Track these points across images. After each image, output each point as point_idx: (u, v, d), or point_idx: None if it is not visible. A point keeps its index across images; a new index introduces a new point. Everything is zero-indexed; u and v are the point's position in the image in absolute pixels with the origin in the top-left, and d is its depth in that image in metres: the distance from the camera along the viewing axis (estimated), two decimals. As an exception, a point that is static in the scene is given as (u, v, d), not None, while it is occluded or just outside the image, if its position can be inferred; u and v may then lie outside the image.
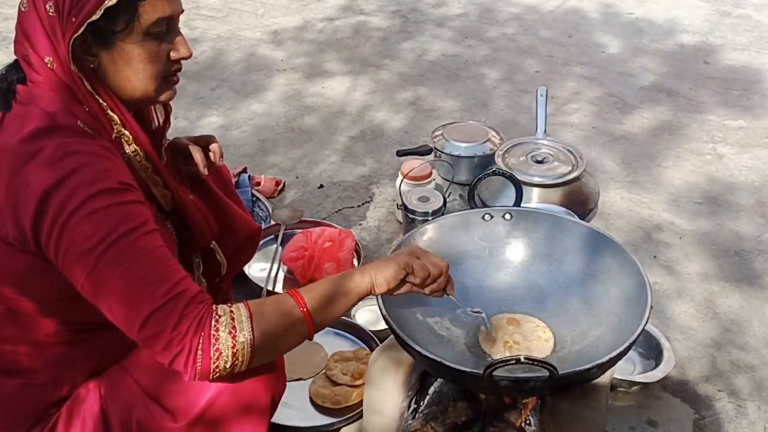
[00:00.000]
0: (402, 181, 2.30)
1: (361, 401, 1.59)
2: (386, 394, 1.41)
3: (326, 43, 3.85)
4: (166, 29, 1.17)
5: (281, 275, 2.11)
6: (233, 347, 1.06)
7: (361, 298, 1.22)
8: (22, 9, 1.13)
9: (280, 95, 3.31)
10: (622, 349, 1.19)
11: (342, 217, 2.47)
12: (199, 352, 1.04)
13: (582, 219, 1.88)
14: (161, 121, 1.36)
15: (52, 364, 1.22)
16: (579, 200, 2.20)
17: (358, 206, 2.53)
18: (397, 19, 4.19)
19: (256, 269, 2.12)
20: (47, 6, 1.09)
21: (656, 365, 1.78)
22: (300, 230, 2.21)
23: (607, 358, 1.17)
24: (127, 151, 1.20)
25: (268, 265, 2.08)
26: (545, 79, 3.45)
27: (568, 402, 1.33)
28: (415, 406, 1.44)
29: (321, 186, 2.63)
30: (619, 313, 1.35)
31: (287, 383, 1.68)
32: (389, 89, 3.37)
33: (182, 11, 1.20)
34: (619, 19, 4.19)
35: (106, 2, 1.08)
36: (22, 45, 1.14)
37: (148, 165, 1.24)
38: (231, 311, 1.08)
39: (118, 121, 1.17)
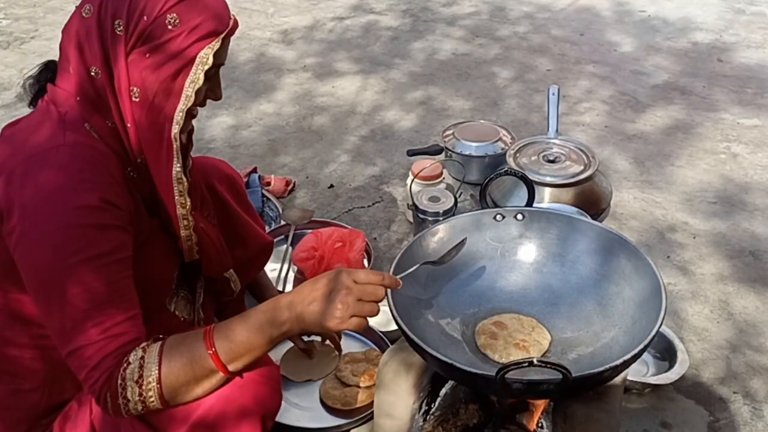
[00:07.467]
0: (413, 180, 2.29)
1: (372, 402, 1.59)
2: (397, 396, 1.40)
3: (336, 43, 3.85)
4: (214, 72, 1.23)
5: (291, 275, 2.11)
6: (140, 395, 1.08)
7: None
8: (84, 15, 1.13)
9: (290, 95, 3.31)
10: (636, 351, 1.17)
11: (352, 217, 2.46)
12: (108, 400, 1.07)
13: (594, 219, 1.86)
14: (184, 140, 1.36)
15: (48, 370, 1.23)
16: (591, 200, 2.18)
17: (369, 206, 2.52)
18: (408, 18, 4.18)
19: (267, 269, 2.11)
20: (115, 23, 1.10)
21: (670, 367, 1.76)
22: (310, 230, 2.21)
23: (621, 360, 1.15)
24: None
25: (279, 266, 2.08)
26: (557, 77, 3.43)
27: (581, 404, 1.32)
28: (426, 408, 1.43)
29: (331, 186, 2.63)
30: (633, 314, 1.33)
31: (298, 383, 1.71)
32: (400, 89, 3.36)
33: None
34: (631, 17, 4.16)
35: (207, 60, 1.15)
36: (68, 46, 1.14)
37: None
38: (141, 359, 1.08)
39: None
